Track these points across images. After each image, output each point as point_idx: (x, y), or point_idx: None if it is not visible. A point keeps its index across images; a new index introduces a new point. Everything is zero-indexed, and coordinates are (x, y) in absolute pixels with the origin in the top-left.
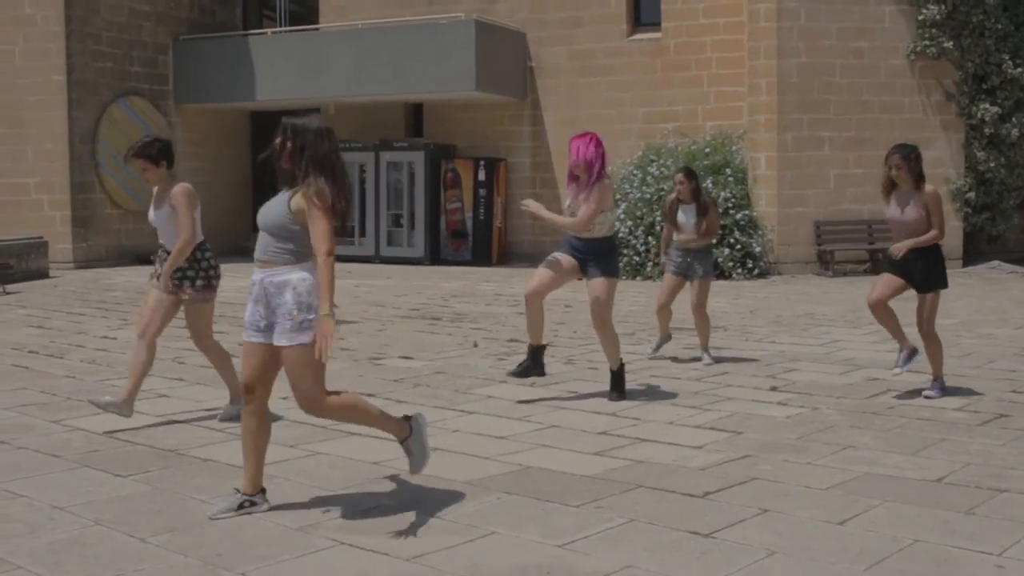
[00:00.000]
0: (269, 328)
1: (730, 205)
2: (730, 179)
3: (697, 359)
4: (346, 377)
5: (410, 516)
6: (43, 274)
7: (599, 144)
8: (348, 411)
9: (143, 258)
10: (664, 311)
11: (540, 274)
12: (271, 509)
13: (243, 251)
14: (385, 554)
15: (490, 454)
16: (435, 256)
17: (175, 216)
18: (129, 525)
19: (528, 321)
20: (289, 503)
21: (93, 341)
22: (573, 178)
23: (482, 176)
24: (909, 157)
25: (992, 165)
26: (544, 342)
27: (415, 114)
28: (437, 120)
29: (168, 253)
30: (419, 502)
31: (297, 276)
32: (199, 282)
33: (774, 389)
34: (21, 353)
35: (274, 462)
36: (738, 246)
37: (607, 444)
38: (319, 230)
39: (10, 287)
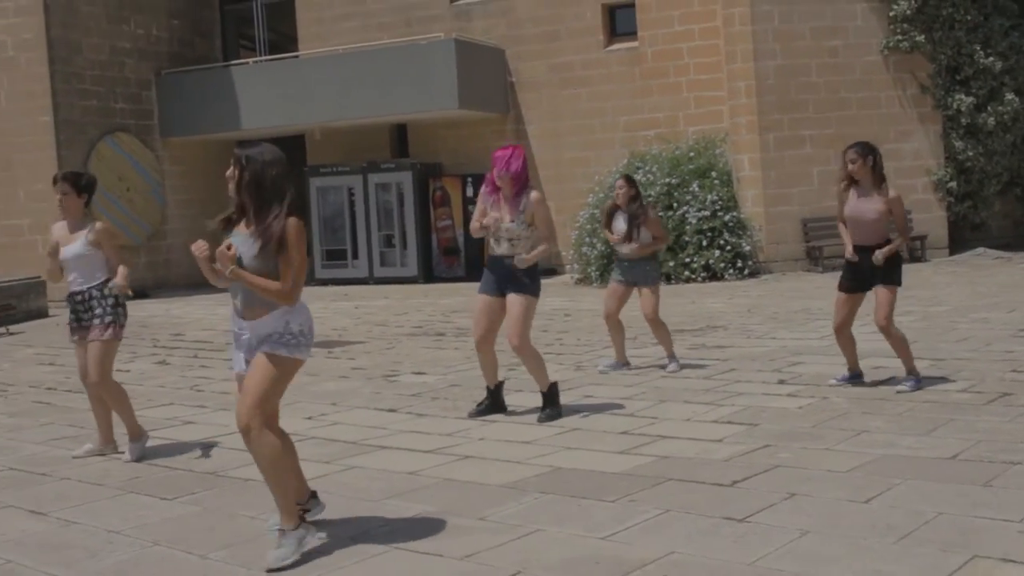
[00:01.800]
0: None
1: (717, 207)
2: (716, 182)
3: (619, 367)
4: (363, 395)
5: (455, 520)
6: (43, 313)
7: (524, 158)
8: (278, 458)
9: (139, 292)
10: (612, 320)
11: (481, 321)
12: (321, 519)
13: None
14: (438, 555)
15: (520, 458)
16: (428, 274)
17: (97, 253)
18: (186, 543)
19: (482, 366)
20: (337, 514)
21: None
22: (495, 189)
23: (470, 192)
24: (865, 153)
25: (971, 154)
26: (500, 379)
27: (400, 135)
28: (422, 140)
29: (84, 291)
30: (460, 507)
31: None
32: (108, 318)
33: (782, 382)
34: (39, 390)
35: (314, 478)
36: (728, 247)
37: (630, 443)
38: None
39: (13, 328)
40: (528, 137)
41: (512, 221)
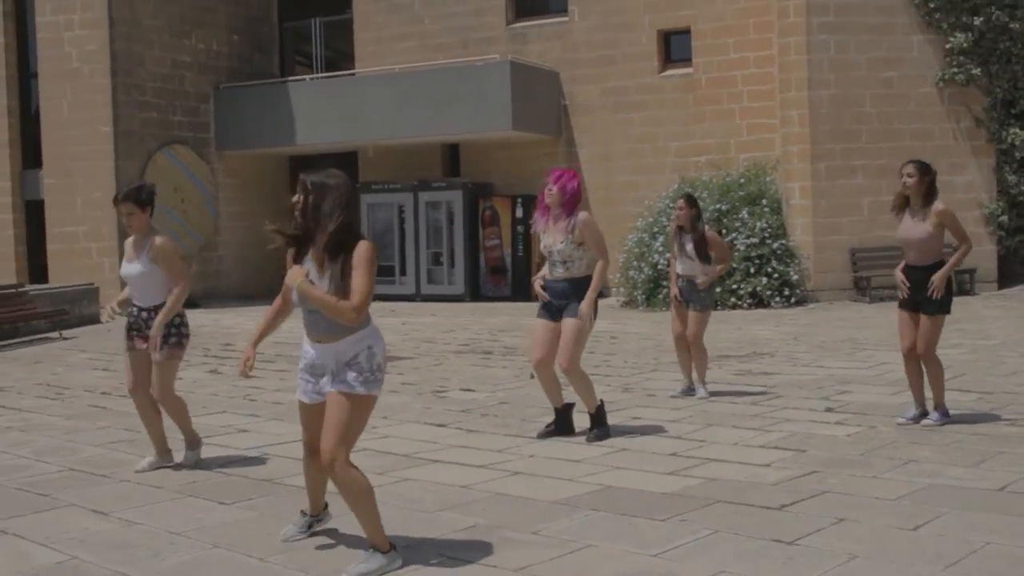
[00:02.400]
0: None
1: (767, 235)
2: (765, 209)
3: (690, 393)
4: (413, 409)
5: (508, 533)
6: (95, 320)
7: (579, 182)
8: (363, 489)
9: (189, 301)
10: (683, 341)
11: (541, 343)
12: None
13: None
14: (492, 567)
15: (570, 476)
16: (475, 292)
17: (157, 271)
18: (246, 547)
19: (545, 389)
20: (392, 525)
21: None
22: (546, 209)
23: (519, 212)
24: (924, 169)
25: None
26: (567, 401)
27: (452, 154)
28: (473, 159)
29: (144, 310)
30: (514, 521)
31: (367, 342)
32: (172, 339)
33: (830, 410)
34: (94, 395)
35: None
36: (775, 275)
37: (679, 465)
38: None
39: (66, 333)
40: (579, 160)
41: (562, 242)
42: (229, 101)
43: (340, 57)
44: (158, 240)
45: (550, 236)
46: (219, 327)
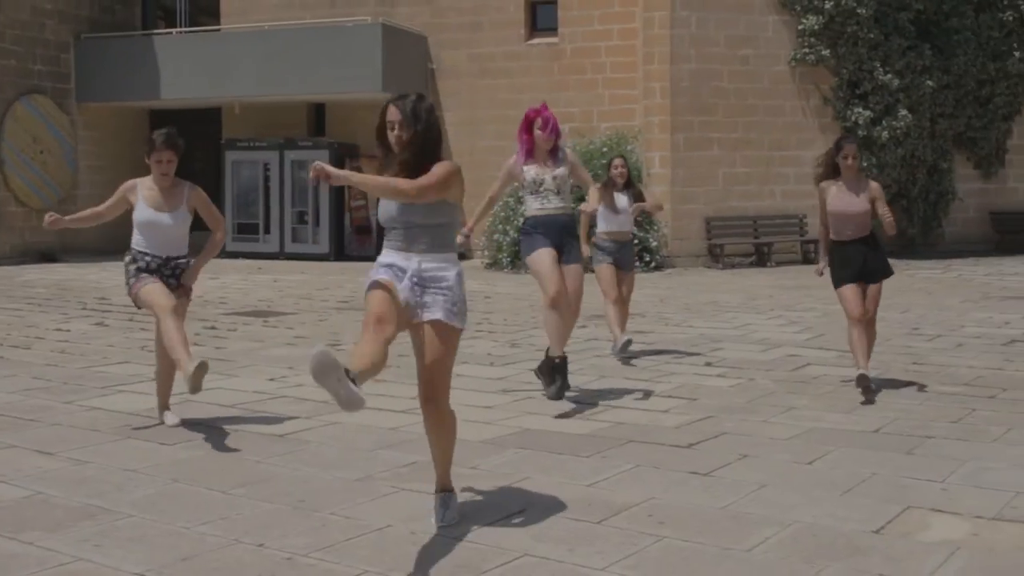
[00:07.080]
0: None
1: None
2: None
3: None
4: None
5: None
6: None
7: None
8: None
9: (48, 255)
10: (619, 302)
11: (555, 275)
12: (325, 467)
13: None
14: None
15: (487, 420)
16: (339, 252)
17: (188, 221)
18: (206, 481)
19: (556, 329)
20: (336, 462)
21: (50, 333)
22: (530, 150)
23: None
24: (859, 147)
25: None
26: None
27: (318, 114)
28: (339, 119)
29: (177, 259)
30: None
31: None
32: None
33: (709, 364)
34: None
35: (302, 431)
36: (635, 241)
37: (585, 411)
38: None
39: None
40: (445, 124)
41: (558, 167)
42: (90, 52)
43: (200, 12)
44: (194, 189)
45: (538, 170)
46: (86, 281)
